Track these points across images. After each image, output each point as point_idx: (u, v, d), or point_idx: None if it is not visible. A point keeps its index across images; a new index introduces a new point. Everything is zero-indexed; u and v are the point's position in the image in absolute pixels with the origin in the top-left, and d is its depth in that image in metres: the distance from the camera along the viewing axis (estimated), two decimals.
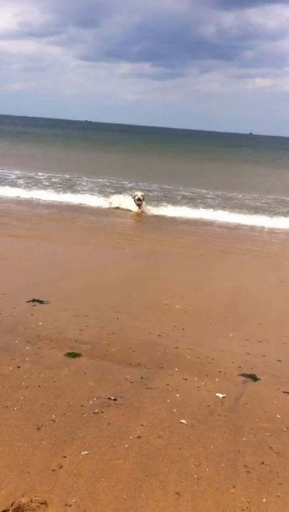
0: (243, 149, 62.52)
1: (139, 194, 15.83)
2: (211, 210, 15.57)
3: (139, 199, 15.71)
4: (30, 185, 18.28)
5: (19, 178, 19.95)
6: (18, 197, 15.78)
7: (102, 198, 16.47)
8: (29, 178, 20.21)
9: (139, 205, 15.66)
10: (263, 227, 13.67)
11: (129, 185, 19.93)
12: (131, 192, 16.66)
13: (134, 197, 15.91)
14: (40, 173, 21.47)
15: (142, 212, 15.63)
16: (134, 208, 15.69)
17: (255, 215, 14.99)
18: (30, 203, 15.12)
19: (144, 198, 15.85)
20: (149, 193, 17.27)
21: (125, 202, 15.89)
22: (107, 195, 17.12)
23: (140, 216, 15.11)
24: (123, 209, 15.49)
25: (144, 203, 15.86)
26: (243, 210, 16.01)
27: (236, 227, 13.56)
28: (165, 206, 16.05)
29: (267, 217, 14.73)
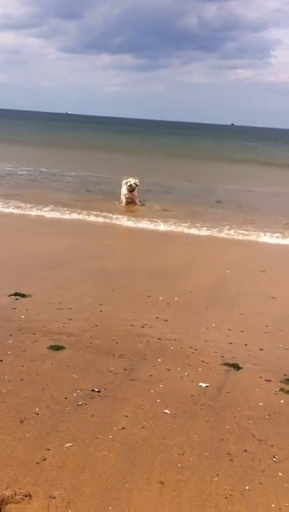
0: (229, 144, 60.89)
1: (132, 181, 14.10)
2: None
3: (131, 186, 14.05)
4: None
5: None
6: None
7: None
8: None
9: (130, 191, 14.05)
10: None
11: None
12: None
13: (125, 184, 14.19)
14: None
15: (134, 204, 14.17)
16: (123, 200, 14.25)
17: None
18: None
19: (136, 187, 14.17)
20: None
21: None
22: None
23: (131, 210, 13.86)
24: None
25: (136, 193, 14.24)
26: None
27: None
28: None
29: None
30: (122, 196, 14.49)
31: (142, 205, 14.44)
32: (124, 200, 14.40)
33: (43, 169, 21.33)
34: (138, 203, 14.46)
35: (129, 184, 14.17)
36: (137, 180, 14.26)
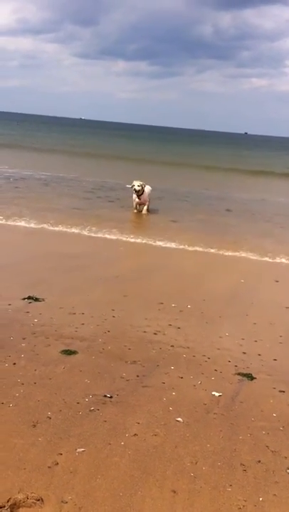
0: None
1: (136, 184, 13.79)
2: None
3: (135, 190, 13.75)
4: None
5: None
6: None
7: None
8: None
9: (138, 195, 13.82)
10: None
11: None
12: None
13: (131, 187, 13.94)
14: None
15: (142, 204, 14.00)
16: (134, 206, 14.11)
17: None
18: None
19: (143, 190, 13.85)
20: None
21: None
22: None
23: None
24: None
25: (146, 194, 13.94)
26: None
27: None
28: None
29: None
30: (133, 203, 14.34)
31: (152, 214, 14.19)
32: (134, 207, 14.32)
33: (61, 174, 21.36)
34: (148, 210, 14.16)
35: (133, 188, 13.88)
36: (140, 183, 13.94)
